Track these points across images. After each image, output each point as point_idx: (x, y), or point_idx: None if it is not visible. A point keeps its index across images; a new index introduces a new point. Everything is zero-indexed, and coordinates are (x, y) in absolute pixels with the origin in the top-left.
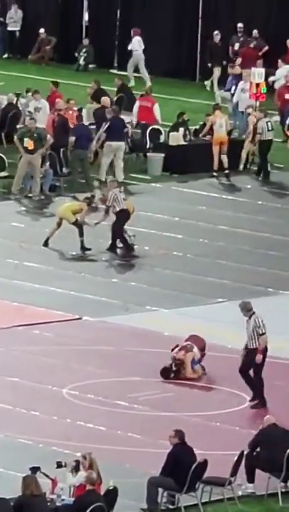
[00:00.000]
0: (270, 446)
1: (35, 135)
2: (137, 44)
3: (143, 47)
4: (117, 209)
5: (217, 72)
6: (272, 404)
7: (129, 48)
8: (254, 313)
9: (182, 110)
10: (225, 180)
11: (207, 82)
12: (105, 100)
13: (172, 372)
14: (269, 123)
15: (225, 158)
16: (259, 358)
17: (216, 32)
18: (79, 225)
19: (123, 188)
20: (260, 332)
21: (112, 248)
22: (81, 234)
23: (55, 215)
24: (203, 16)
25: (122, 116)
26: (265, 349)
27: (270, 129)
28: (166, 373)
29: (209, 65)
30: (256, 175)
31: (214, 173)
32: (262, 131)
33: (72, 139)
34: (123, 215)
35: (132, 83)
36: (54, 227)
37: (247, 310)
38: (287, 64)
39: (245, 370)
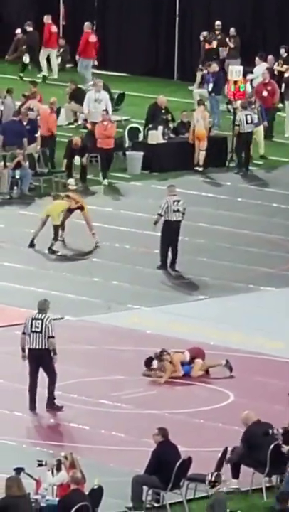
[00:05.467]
0: (256, 446)
1: None
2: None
3: None
4: (164, 219)
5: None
6: (254, 400)
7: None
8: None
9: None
10: (204, 178)
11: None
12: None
13: (157, 359)
14: (249, 116)
15: (201, 155)
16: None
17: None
18: (57, 229)
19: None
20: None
21: (163, 266)
22: (55, 238)
23: (43, 211)
24: (180, 14)
25: None
26: (54, 352)
27: (248, 121)
28: (148, 362)
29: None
30: (236, 172)
31: (195, 168)
32: (240, 124)
33: (0, 136)
34: (168, 228)
35: None
36: (38, 226)
37: (40, 309)
38: (264, 61)
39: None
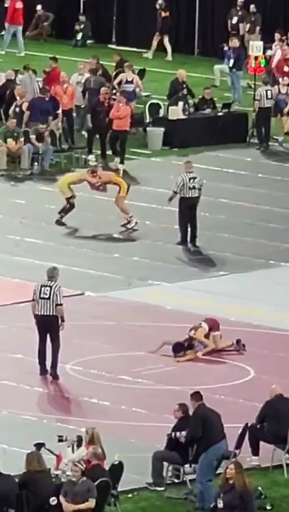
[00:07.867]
0: (276, 419)
1: (15, 134)
2: None
3: None
4: (180, 196)
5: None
6: (274, 376)
7: None
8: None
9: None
10: (224, 153)
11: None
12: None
13: (184, 348)
14: (269, 91)
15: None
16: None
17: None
18: (70, 202)
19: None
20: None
21: (183, 242)
22: (63, 211)
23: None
24: None
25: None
26: (62, 319)
27: (269, 97)
28: (178, 348)
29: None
30: (257, 148)
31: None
32: (260, 99)
33: (27, 112)
34: (184, 205)
35: None
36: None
37: (49, 276)
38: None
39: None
